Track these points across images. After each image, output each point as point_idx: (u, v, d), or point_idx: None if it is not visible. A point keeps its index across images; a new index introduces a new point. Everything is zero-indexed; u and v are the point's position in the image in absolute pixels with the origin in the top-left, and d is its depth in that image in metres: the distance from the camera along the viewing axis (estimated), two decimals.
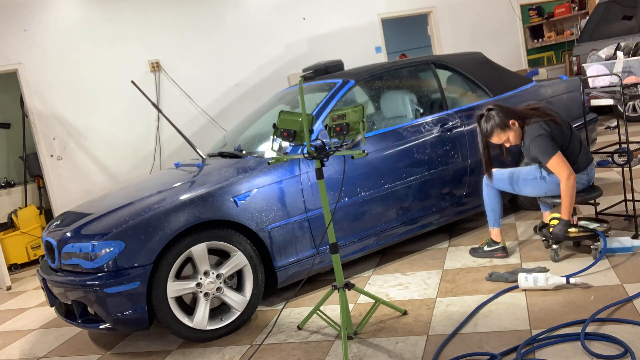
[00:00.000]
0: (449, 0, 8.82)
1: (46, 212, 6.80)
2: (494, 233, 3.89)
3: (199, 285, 3.32)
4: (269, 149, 3.94)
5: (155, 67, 6.86)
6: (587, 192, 3.63)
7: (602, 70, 4.01)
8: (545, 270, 3.41)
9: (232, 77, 7.32)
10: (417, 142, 4.16)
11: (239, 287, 3.51)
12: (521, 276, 3.28)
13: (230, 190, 3.49)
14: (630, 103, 7.98)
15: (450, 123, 4.33)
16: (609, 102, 3.93)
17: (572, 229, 3.64)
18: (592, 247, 3.53)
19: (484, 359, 2.62)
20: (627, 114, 8.07)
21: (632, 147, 4.01)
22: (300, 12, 7.74)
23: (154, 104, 5.18)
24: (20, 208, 6.51)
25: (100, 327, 3.27)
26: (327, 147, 2.99)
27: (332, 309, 3.53)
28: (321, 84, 4.45)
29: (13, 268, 6.17)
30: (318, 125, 3.92)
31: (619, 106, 4.02)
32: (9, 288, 5.47)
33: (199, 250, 3.31)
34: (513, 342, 2.71)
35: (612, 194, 4.76)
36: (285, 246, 3.62)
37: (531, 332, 2.79)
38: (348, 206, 3.86)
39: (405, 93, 4.54)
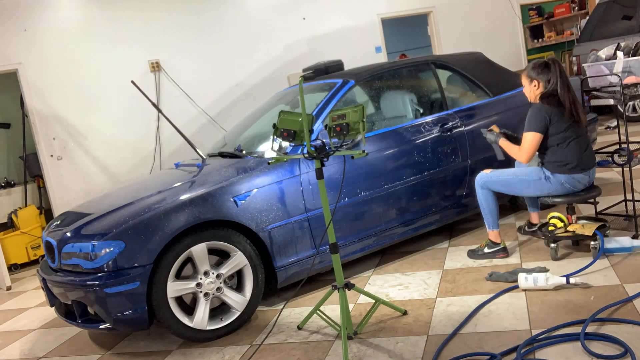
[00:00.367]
0: (449, 0, 8.82)
1: (46, 212, 6.79)
2: (493, 235, 3.88)
3: (199, 285, 3.32)
4: (269, 149, 3.94)
5: (155, 67, 6.86)
6: (586, 192, 3.63)
7: (602, 70, 4.01)
8: (545, 270, 3.41)
9: (232, 77, 7.32)
10: (417, 142, 4.16)
11: (239, 287, 3.51)
12: (521, 276, 3.28)
13: (230, 190, 3.49)
14: (630, 103, 7.98)
15: (450, 123, 4.33)
16: (609, 102, 3.93)
17: (571, 227, 3.65)
18: (591, 246, 3.53)
19: (484, 359, 2.63)
20: (627, 114, 8.07)
21: (632, 147, 4.00)
22: (300, 12, 7.74)
23: (154, 104, 5.18)
24: (20, 208, 6.51)
25: (100, 327, 3.27)
26: (327, 147, 2.99)
27: (332, 309, 3.53)
28: (321, 84, 4.45)
29: (13, 268, 6.17)
30: (318, 125, 3.92)
31: (619, 106, 4.02)
32: (9, 288, 5.47)
33: (199, 250, 3.31)
34: (513, 342, 2.71)
35: (612, 194, 4.76)
36: (285, 246, 3.62)
37: (531, 332, 2.79)
38: (348, 206, 3.86)
39: (405, 93, 4.54)
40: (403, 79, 4.57)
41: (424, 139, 4.19)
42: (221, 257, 3.47)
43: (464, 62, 4.78)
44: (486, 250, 3.89)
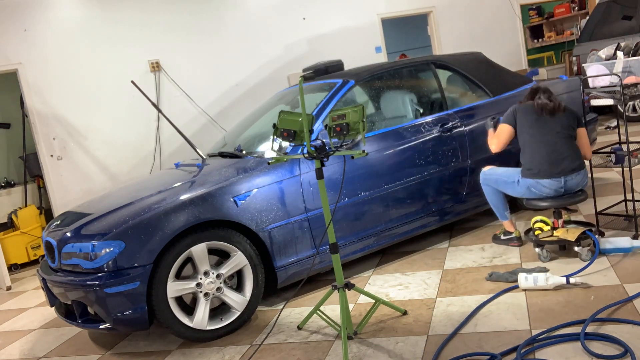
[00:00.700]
0: (449, 0, 8.82)
1: (46, 212, 6.79)
2: (505, 225, 4.03)
3: (199, 285, 3.32)
4: (269, 149, 3.94)
5: (155, 67, 6.86)
6: (570, 197, 3.62)
7: (602, 70, 4.01)
8: (545, 270, 3.41)
9: (232, 77, 7.32)
10: (417, 142, 4.16)
11: (239, 287, 3.51)
12: (521, 276, 3.28)
13: (230, 190, 3.49)
14: (630, 103, 7.98)
15: (450, 123, 4.33)
16: (609, 102, 3.93)
17: (557, 232, 3.65)
18: (576, 249, 3.53)
19: (484, 359, 2.63)
20: (627, 114, 8.07)
21: (632, 147, 4.00)
22: (300, 12, 7.74)
23: (154, 104, 5.18)
24: (20, 208, 6.51)
25: (100, 327, 3.27)
26: (327, 147, 2.99)
27: (332, 309, 3.53)
28: (321, 84, 4.45)
29: (13, 268, 6.17)
30: (318, 125, 3.92)
31: (619, 106, 4.02)
32: (9, 288, 5.47)
33: (199, 250, 3.31)
34: (513, 342, 2.71)
35: (612, 194, 4.76)
36: (285, 246, 3.62)
37: (531, 332, 2.79)
38: (348, 206, 3.86)
39: (405, 93, 4.54)
40: (403, 79, 4.57)
41: (424, 139, 4.19)
42: (221, 257, 3.47)
43: (464, 62, 4.78)
44: (502, 237, 4.09)
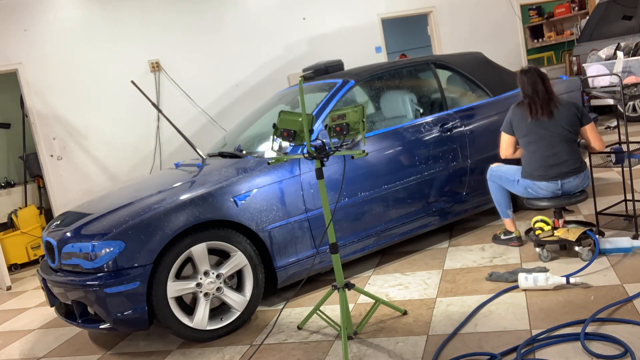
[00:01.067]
0: (449, 0, 8.82)
1: (46, 212, 6.79)
2: (506, 223, 4.03)
3: (199, 285, 3.32)
4: (269, 149, 3.94)
5: (155, 67, 6.86)
6: (569, 197, 3.62)
7: (602, 70, 4.01)
8: (545, 270, 3.41)
9: (232, 77, 7.32)
10: (417, 142, 4.16)
11: (239, 287, 3.51)
12: (521, 276, 3.28)
13: (230, 190, 3.49)
14: (630, 103, 7.98)
15: (450, 123, 4.33)
16: (609, 102, 3.93)
17: (557, 232, 3.65)
18: (577, 249, 3.53)
19: (484, 359, 2.62)
20: (627, 114, 8.07)
21: (632, 147, 4.00)
22: (300, 12, 7.74)
23: (154, 104, 5.18)
24: (20, 208, 6.51)
25: (100, 327, 3.27)
26: (327, 147, 2.99)
27: (332, 309, 3.53)
28: (321, 84, 4.45)
29: (13, 268, 6.16)
30: (318, 125, 3.92)
31: (619, 106, 4.02)
32: (9, 288, 5.47)
33: (199, 250, 3.31)
34: (513, 342, 2.71)
35: (612, 194, 4.76)
36: (285, 246, 3.62)
37: (531, 332, 2.79)
38: (348, 206, 3.86)
39: (405, 93, 4.54)
40: (403, 79, 4.57)
41: (424, 139, 4.19)
42: (221, 257, 3.47)
43: (464, 62, 4.78)
44: (502, 237, 4.09)
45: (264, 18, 7.50)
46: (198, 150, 4.58)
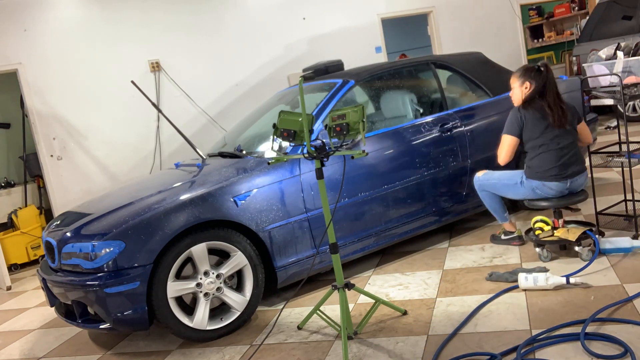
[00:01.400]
0: (449, 0, 8.82)
1: (46, 212, 6.79)
2: (506, 226, 4.04)
3: (199, 285, 3.32)
4: (269, 149, 3.94)
5: (155, 67, 6.86)
6: (570, 197, 3.62)
7: (602, 70, 4.01)
8: (545, 270, 3.41)
9: (232, 77, 7.32)
10: (417, 142, 4.16)
11: (239, 287, 3.51)
12: (521, 276, 3.28)
13: (230, 190, 3.49)
14: (630, 103, 7.98)
15: (450, 123, 4.33)
16: (609, 102, 3.93)
17: (557, 232, 3.65)
18: (577, 250, 3.53)
19: (484, 359, 2.62)
20: (627, 114, 8.07)
21: (632, 147, 4.00)
22: (300, 12, 7.74)
23: (154, 104, 5.17)
24: (20, 208, 6.51)
25: (100, 327, 3.27)
26: (327, 147, 2.99)
27: (332, 309, 3.53)
28: (321, 84, 4.45)
29: (13, 268, 6.17)
30: (318, 125, 3.92)
31: (619, 106, 4.02)
32: (9, 288, 5.47)
33: (199, 250, 3.31)
34: (513, 342, 2.71)
35: (612, 194, 4.76)
36: (285, 246, 3.62)
37: (531, 332, 2.79)
38: (348, 206, 3.86)
39: (405, 93, 4.54)
40: (403, 79, 4.57)
41: (424, 139, 4.19)
42: (221, 257, 3.47)
43: (464, 62, 4.78)
44: (502, 237, 4.09)
45: (264, 18, 7.50)
46: (198, 150, 4.58)
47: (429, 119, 4.32)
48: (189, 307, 3.43)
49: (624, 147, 3.88)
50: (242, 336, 3.38)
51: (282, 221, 3.60)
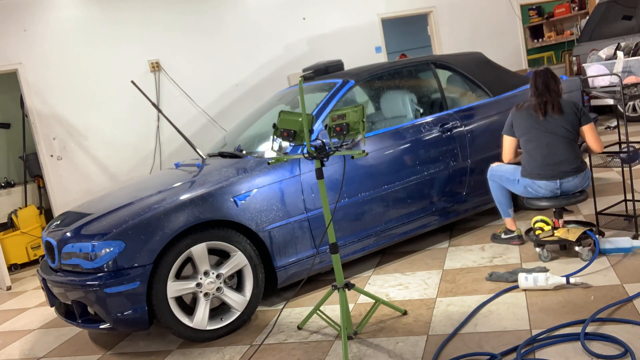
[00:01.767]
0: (449, 0, 8.82)
1: (46, 212, 6.79)
2: (507, 222, 4.04)
3: (199, 285, 3.32)
4: (269, 149, 3.94)
5: (155, 67, 6.86)
6: (569, 197, 3.62)
7: (602, 70, 4.01)
8: (545, 270, 3.41)
9: (232, 77, 7.32)
10: (417, 142, 4.16)
11: (239, 287, 3.51)
12: (521, 276, 3.28)
13: (230, 190, 3.49)
14: (630, 103, 7.98)
15: (450, 123, 4.33)
16: (609, 102, 3.93)
17: (557, 232, 3.65)
18: (577, 249, 3.53)
19: (484, 359, 2.63)
20: (627, 114, 8.07)
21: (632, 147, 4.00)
22: (300, 12, 7.74)
23: (154, 104, 5.17)
24: (20, 208, 6.51)
25: (100, 327, 3.27)
26: (327, 147, 2.99)
27: (332, 309, 3.53)
28: (321, 84, 4.45)
29: (13, 268, 6.17)
30: (318, 125, 3.92)
31: (619, 106, 4.02)
32: (9, 288, 5.47)
33: (199, 250, 3.31)
34: (513, 342, 2.71)
35: (612, 194, 4.76)
36: (285, 246, 3.62)
37: (531, 332, 2.79)
38: (348, 206, 3.86)
39: (405, 93, 4.54)
40: (403, 79, 4.57)
41: (424, 139, 4.19)
42: (221, 257, 3.47)
43: (464, 62, 4.78)
44: (503, 236, 4.10)
45: (264, 18, 7.51)
46: (198, 150, 4.58)
47: (429, 119, 4.32)
48: (189, 307, 3.43)
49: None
50: (242, 336, 3.38)
51: (282, 221, 3.60)
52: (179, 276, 3.34)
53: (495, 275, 3.50)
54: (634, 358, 2.39)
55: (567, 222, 3.84)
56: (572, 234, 3.58)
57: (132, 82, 5.39)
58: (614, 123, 7.92)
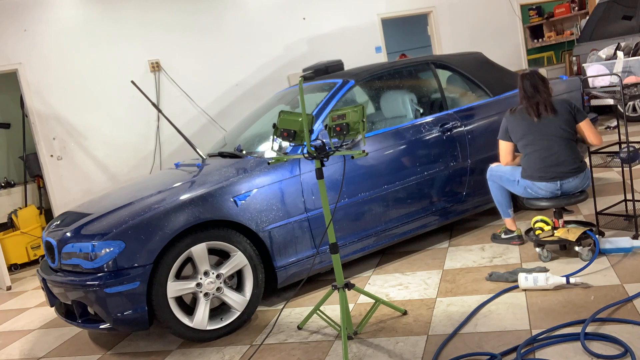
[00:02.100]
0: (449, 0, 8.82)
1: (46, 212, 6.80)
2: (507, 222, 4.04)
3: (199, 285, 3.32)
4: (269, 149, 3.94)
5: (155, 67, 6.86)
6: (569, 197, 3.62)
7: (602, 70, 4.01)
8: (545, 270, 3.41)
9: (232, 77, 7.32)
10: (417, 142, 4.16)
11: (239, 287, 3.51)
12: (521, 276, 3.28)
13: (230, 190, 3.49)
14: (630, 103, 7.97)
15: (450, 123, 4.33)
16: (609, 102, 3.93)
17: (557, 232, 3.65)
18: (577, 249, 3.53)
19: (484, 359, 2.63)
20: (627, 114, 8.07)
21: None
22: (300, 12, 7.74)
23: (154, 104, 5.17)
24: (20, 208, 6.51)
25: (100, 327, 3.27)
26: (327, 147, 2.99)
27: (332, 309, 3.53)
28: (321, 84, 4.45)
29: (13, 268, 6.17)
30: (318, 125, 3.92)
31: (619, 106, 4.02)
32: (9, 288, 5.47)
33: (199, 250, 3.31)
34: (513, 342, 2.71)
35: (612, 194, 4.76)
36: (285, 246, 3.62)
37: (531, 332, 2.79)
38: (348, 206, 3.86)
39: (405, 93, 4.54)
40: (403, 79, 4.57)
41: (423, 139, 4.19)
42: (221, 257, 3.47)
43: (464, 62, 4.78)
44: (503, 236, 4.10)
45: (264, 18, 7.51)
46: (198, 150, 4.58)
47: (429, 119, 4.32)
48: (189, 307, 3.43)
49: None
50: (242, 336, 3.38)
51: (282, 221, 3.60)
52: (179, 276, 3.34)
53: (495, 275, 3.50)
54: (634, 358, 2.39)
55: (567, 222, 3.84)
56: (572, 234, 3.58)
57: (132, 82, 5.39)
58: (614, 123, 7.91)
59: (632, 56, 4.01)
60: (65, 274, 3.35)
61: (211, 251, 3.41)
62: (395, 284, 3.75)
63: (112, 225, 3.26)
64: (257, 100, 7.41)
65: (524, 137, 3.63)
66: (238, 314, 3.43)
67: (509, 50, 9.37)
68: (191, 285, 3.30)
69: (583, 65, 4.37)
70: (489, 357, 2.62)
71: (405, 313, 3.27)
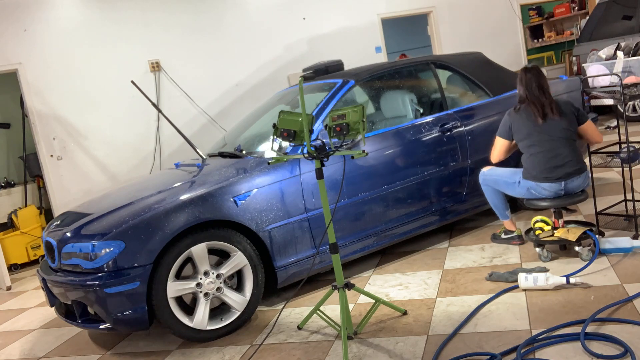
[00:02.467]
0: (449, 0, 8.82)
1: (46, 212, 6.80)
2: (506, 224, 4.04)
3: (199, 285, 3.32)
4: (269, 149, 3.94)
5: (155, 67, 6.86)
6: (570, 197, 3.62)
7: (602, 70, 4.01)
8: (545, 270, 3.41)
9: (232, 77, 7.32)
10: (417, 142, 4.16)
11: (239, 287, 3.51)
12: (521, 276, 3.28)
13: (230, 190, 3.49)
14: (630, 103, 7.98)
15: (450, 123, 4.33)
16: (609, 102, 3.93)
17: (557, 232, 3.65)
18: (577, 249, 3.53)
19: (484, 359, 2.63)
20: (627, 114, 8.07)
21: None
22: (300, 12, 7.74)
23: (154, 104, 5.17)
24: (20, 208, 6.51)
25: (100, 327, 3.27)
26: (327, 147, 2.99)
27: (332, 309, 3.53)
28: (321, 84, 4.45)
29: (13, 268, 6.17)
30: (318, 125, 3.92)
31: (619, 106, 4.02)
32: (9, 288, 5.47)
33: (199, 250, 3.31)
34: (513, 342, 2.71)
35: (612, 194, 4.76)
36: (285, 246, 3.62)
37: (531, 332, 2.79)
38: (348, 206, 3.86)
39: (405, 93, 4.54)
40: (403, 79, 4.57)
41: (423, 139, 4.19)
42: (221, 257, 3.47)
43: (464, 62, 4.78)
44: (503, 236, 4.10)
45: (264, 18, 7.51)
46: (198, 150, 4.58)
47: (429, 119, 4.32)
48: (189, 307, 3.43)
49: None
50: (242, 336, 3.38)
51: (282, 221, 3.60)
52: (179, 276, 3.34)
53: (495, 275, 3.50)
54: (634, 358, 2.39)
55: (567, 222, 3.84)
56: (572, 234, 3.58)
57: (132, 82, 5.39)
58: (614, 123, 7.92)
59: (632, 56, 4.01)
60: (65, 274, 3.35)
61: (211, 251, 3.41)
62: (395, 284, 3.75)
63: (112, 225, 3.26)
64: (257, 100, 7.41)
65: (529, 137, 3.62)
66: (238, 314, 3.43)
67: (509, 50, 9.37)
68: (191, 285, 3.30)
69: (583, 65, 4.37)
70: (489, 357, 2.62)
71: (405, 313, 3.27)
